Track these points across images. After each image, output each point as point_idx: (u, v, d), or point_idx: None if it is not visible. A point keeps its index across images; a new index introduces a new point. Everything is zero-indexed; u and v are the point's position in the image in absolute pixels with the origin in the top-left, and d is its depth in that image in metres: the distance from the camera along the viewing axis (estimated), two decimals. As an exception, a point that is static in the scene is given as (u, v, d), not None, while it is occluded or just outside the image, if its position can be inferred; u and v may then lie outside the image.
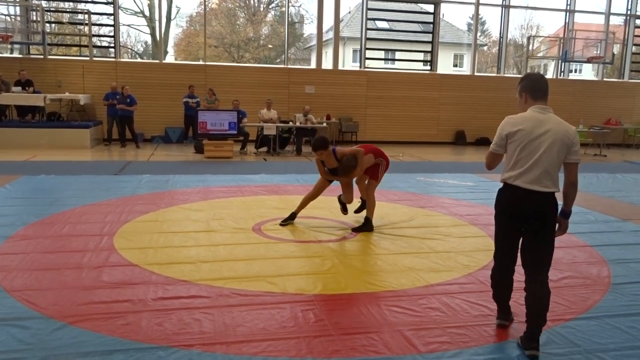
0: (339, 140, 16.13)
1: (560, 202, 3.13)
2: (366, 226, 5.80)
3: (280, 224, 5.92)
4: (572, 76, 20.62)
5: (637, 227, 6.29)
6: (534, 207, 3.04)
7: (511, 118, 3.15)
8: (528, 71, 18.58)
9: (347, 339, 3.23)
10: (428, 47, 17.55)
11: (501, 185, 3.20)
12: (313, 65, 17.53)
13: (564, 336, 3.34)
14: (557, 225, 3.15)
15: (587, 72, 24.78)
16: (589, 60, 17.72)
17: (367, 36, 16.88)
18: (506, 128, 3.13)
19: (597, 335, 3.36)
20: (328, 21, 16.96)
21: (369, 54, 17.16)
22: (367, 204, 5.93)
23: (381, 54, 19.64)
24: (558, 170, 3.06)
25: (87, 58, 15.03)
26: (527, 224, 3.08)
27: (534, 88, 3.16)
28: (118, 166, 10.12)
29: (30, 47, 15.26)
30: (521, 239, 3.15)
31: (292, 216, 6.05)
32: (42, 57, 14.81)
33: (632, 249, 5.32)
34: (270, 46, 24.11)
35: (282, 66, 16.80)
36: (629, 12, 18.41)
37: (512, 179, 3.07)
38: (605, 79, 18.70)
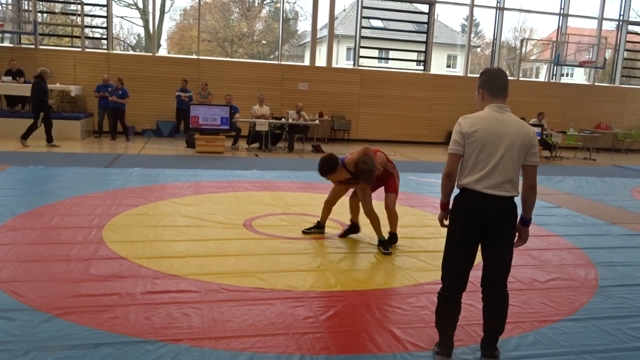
0: (330, 138, 16.13)
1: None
2: (392, 241, 5.21)
3: (304, 232, 5.49)
4: (564, 80, 20.76)
5: (624, 230, 6.35)
6: (496, 213, 2.82)
7: (467, 117, 2.90)
8: (520, 74, 18.71)
9: (335, 336, 3.24)
10: (422, 47, 17.59)
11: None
12: (307, 62, 17.51)
13: (551, 337, 3.37)
14: (516, 234, 2.95)
15: (579, 77, 24.97)
16: (581, 65, 17.84)
17: (362, 34, 16.88)
18: (464, 127, 2.86)
19: (584, 337, 3.39)
20: (323, 18, 16.95)
21: (363, 52, 17.16)
22: (390, 219, 5.22)
23: (375, 53, 19.65)
24: (518, 173, 2.87)
25: (79, 49, 14.90)
26: (487, 231, 2.84)
27: (494, 85, 2.93)
28: (108, 159, 10.06)
29: (22, 36, 15.11)
30: (478, 248, 2.93)
31: (319, 226, 5.55)
32: (33, 47, 14.66)
33: (619, 252, 5.37)
34: (264, 42, 24.05)
35: (275, 62, 16.76)
36: (621, 18, 18.56)
37: (471, 184, 2.83)
38: (596, 84, 18.84)
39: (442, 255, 3.00)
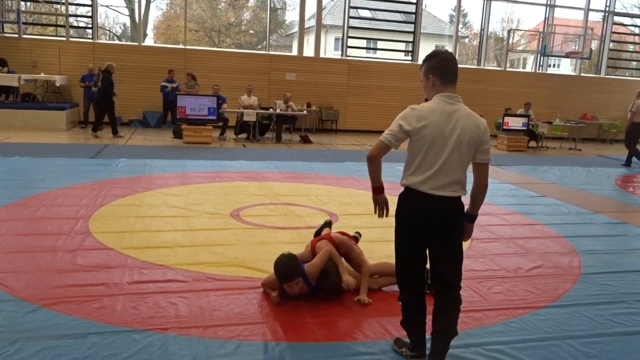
0: (318, 129, 16.12)
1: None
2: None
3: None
4: (551, 71, 20.90)
5: (608, 219, 6.44)
6: (442, 214, 2.62)
7: (415, 109, 2.61)
8: (507, 65, 18.79)
9: (323, 324, 3.26)
10: (410, 38, 17.59)
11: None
12: (294, 53, 17.45)
13: (534, 324, 3.42)
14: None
15: (566, 67, 25.14)
16: (567, 55, 17.98)
17: (350, 24, 16.85)
18: (411, 123, 2.58)
19: (567, 323, 3.45)
20: (310, 8, 16.87)
21: (350, 42, 17.12)
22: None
23: (363, 43, 19.61)
24: (466, 170, 2.64)
25: (64, 38, 14.72)
26: (434, 232, 2.66)
27: (446, 70, 2.61)
28: (94, 149, 9.97)
29: (4, 25, 14.87)
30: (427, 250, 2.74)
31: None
32: (16, 36, 14.45)
33: (602, 240, 5.45)
34: (251, 32, 23.91)
35: (263, 52, 16.68)
36: (607, 9, 18.69)
37: (417, 185, 2.61)
38: (582, 74, 18.99)
39: (395, 261, 2.81)
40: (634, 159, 11.62)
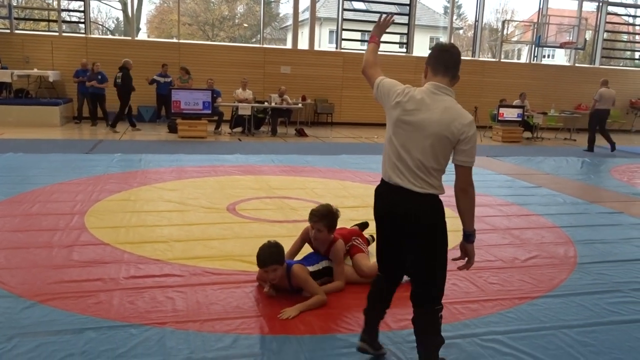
0: (314, 122, 16.09)
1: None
2: None
3: None
4: (545, 61, 20.91)
5: (603, 209, 6.47)
6: (407, 210, 2.44)
7: (411, 90, 2.51)
8: (502, 56, 18.78)
9: (320, 317, 3.27)
10: (404, 30, 17.54)
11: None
12: (289, 46, 17.40)
13: (531, 314, 3.44)
14: (462, 252, 2.59)
15: (560, 58, 25.16)
16: (561, 46, 17.98)
17: (344, 17, 16.78)
18: (399, 94, 2.51)
19: (563, 313, 3.47)
20: (304, 1, 16.79)
21: (345, 34, 17.07)
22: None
23: (358, 35, 19.54)
24: (440, 169, 2.44)
25: (56, 33, 14.61)
26: (397, 230, 2.51)
27: (437, 60, 2.51)
28: (89, 145, 9.93)
29: (-4, 20, 14.74)
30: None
31: None
32: (8, 31, 14.32)
33: (598, 230, 5.47)
34: (245, 25, 23.81)
35: (257, 46, 16.61)
36: (601, -1, 18.69)
37: (385, 174, 2.53)
38: (577, 65, 19.00)
39: None
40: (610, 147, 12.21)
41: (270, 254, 3.43)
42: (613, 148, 12.28)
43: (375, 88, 2.66)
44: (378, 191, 2.61)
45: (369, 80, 2.75)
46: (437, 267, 2.51)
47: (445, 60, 2.50)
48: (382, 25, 2.86)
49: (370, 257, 3.94)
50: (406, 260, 2.59)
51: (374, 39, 2.85)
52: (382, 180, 2.57)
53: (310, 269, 3.59)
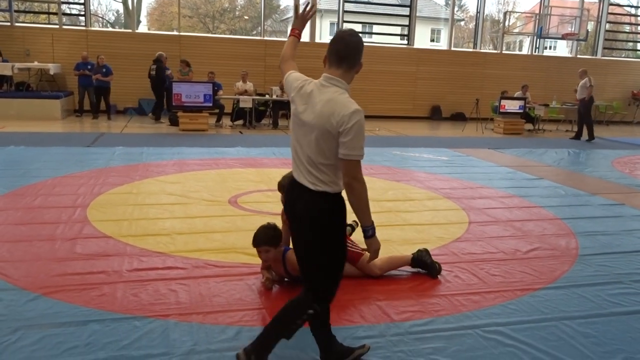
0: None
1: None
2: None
3: None
4: (547, 53, 20.83)
5: (605, 200, 6.47)
6: (302, 205, 2.39)
7: (305, 82, 2.46)
8: (504, 47, 18.71)
9: (322, 308, 3.28)
10: (405, 21, 17.47)
11: None
12: (290, 38, 17.31)
13: (532, 305, 3.45)
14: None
15: (562, 49, 25.05)
16: (563, 37, 17.88)
17: (345, 9, 16.71)
18: (295, 89, 2.47)
19: (564, 304, 3.48)
20: (305, -7, 16.69)
21: (346, 27, 16.99)
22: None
23: (359, 28, 19.48)
24: (329, 164, 2.32)
25: (57, 26, 14.57)
26: (297, 224, 2.47)
27: (331, 50, 2.40)
28: (90, 138, 9.93)
29: (-4, 13, 14.71)
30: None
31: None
32: (9, 24, 14.29)
33: (599, 222, 5.48)
34: (246, 17, 23.73)
35: (258, 38, 16.55)
36: (603, -10, 18.58)
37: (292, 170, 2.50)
38: (579, 56, 18.92)
39: None
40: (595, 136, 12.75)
41: (264, 235, 3.45)
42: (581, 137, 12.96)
43: (284, 84, 2.59)
44: (287, 186, 2.57)
45: (282, 75, 2.65)
46: (324, 266, 2.43)
47: (338, 51, 2.37)
48: (302, 18, 2.72)
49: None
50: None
51: (294, 32, 2.75)
52: (290, 175, 2.55)
53: None
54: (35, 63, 13.48)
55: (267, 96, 13.44)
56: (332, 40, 2.42)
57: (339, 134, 2.25)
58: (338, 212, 2.38)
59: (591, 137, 12.73)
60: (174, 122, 12.19)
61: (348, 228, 4.24)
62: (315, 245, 2.40)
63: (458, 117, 16.52)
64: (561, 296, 3.60)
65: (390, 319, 3.18)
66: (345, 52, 2.37)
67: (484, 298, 3.53)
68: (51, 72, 13.46)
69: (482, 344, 2.93)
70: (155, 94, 13.20)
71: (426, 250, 3.97)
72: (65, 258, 3.91)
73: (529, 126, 14.53)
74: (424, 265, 3.90)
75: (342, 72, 2.38)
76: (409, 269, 3.95)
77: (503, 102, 13.84)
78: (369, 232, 2.40)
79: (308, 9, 2.70)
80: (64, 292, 3.34)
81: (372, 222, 2.40)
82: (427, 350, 2.85)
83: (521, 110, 13.89)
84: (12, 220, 4.75)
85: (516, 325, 3.16)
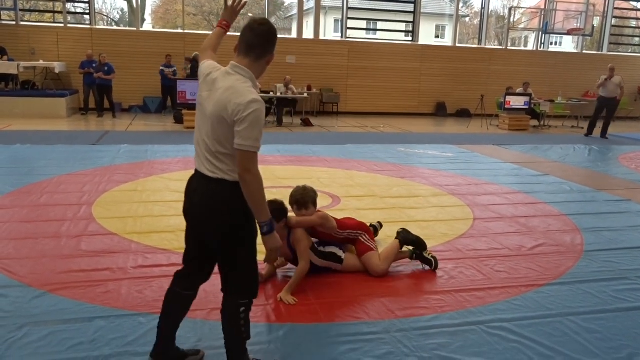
0: (319, 111, 16.06)
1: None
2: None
3: None
4: (552, 48, 20.72)
5: (610, 196, 6.44)
6: (199, 194, 2.31)
7: (213, 69, 2.39)
8: (509, 43, 18.63)
9: (326, 305, 3.29)
10: (410, 18, 17.42)
11: None
12: (294, 35, 17.30)
13: (537, 301, 3.44)
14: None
15: (567, 45, 24.92)
16: (569, 33, 17.79)
17: (349, 5, 16.68)
18: (202, 76, 2.41)
19: (569, 300, 3.47)
20: (309, -11, 16.69)
21: (350, 23, 16.97)
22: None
23: (363, 24, 19.44)
24: (227, 153, 2.23)
25: (61, 25, 14.62)
26: (196, 218, 2.39)
27: (240, 38, 2.34)
28: (96, 136, 9.97)
29: (2, 13, 14.76)
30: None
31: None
32: (14, 23, 14.35)
33: (604, 218, 5.45)
34: (250, 15, 23.70)
35: (262, 35, 16.52)
36: (609, -15, 18.46)
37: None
38: (584, 52, 18.83)
39: None
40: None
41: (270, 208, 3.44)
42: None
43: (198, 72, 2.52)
44: (189, 179, 2.45)
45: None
46: (238, 257, 2.37)
47: (247, 39, 2.31)
48: (232, 9, 2.68)
49: (378, 252, 3.90)
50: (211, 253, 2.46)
51: (221, 23, 2.70)
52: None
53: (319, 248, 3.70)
54: (41, 62, 13.53)
55: (271, 94, 13.45)
56: (242, 29, 2.35)
57: (234, 123, 2.17)
58: (237, 200, 2.24)
59: (606, 133, 12.81)
60: (179, 119, 12.21)
61: (371, 228, 4.24)
62: (235, 244, 2.32)
63: (463, 114, 16.47)
64: (566, 292, 3.59)
65: (395, 315, 3.18)
66: (254, 41, 2.30)
67: (489, 294, 3.52)
68: (56, 71, 13.50)
69: (487, 340, 2.93)
70: None
71: (404, 230, 4.08)
72: (70, 255, 3.93)
73: (535, 122, 14.48)
74: (411, 243, 3.98)
75: (249, 61, 2.31)
76: (412, 264, 3.95)
77: (508, 98, 13.79)
78: (264, 229, 2.26)
79: (237, 1, 2.66)
80: (69, 289, 3.35)
81: (269, 218, 2.26)
82: (431, 346, 2.85)
83: (526, 107, 13.83)
84: (18, 218, 4.78)
85: (521, 321, 3.16)
